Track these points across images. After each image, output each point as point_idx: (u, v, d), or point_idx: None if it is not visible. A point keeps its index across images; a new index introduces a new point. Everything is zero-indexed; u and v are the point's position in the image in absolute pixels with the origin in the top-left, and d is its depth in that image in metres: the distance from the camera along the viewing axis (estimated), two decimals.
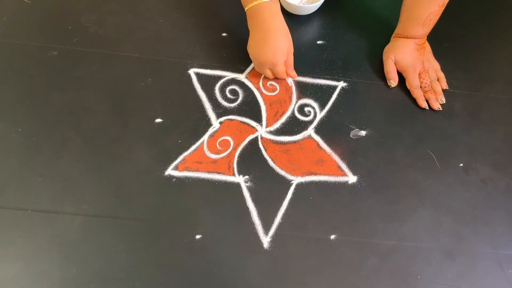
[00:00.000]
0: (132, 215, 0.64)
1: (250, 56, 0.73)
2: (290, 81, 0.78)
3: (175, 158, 0.69)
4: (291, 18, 0.86)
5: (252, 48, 0.71)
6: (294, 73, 0.75)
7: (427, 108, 0.76)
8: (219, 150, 0.70)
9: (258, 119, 0.74)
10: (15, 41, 0.79)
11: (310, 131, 0.73)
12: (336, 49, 0.82)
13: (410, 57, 0.77)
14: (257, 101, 0.76)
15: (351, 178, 0.69)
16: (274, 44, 0.68)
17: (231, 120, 0.73)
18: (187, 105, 0.74)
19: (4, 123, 0.70)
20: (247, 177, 0.68)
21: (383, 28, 0.85)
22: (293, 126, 0.73)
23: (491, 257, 0.64)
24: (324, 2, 0.84)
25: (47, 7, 0.84)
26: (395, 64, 0.78)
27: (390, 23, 0.85)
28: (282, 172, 0.69)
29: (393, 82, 0.78)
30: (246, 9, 0.68)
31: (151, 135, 0.70)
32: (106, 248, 0.61)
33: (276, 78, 0.77)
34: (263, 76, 0.78)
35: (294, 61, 0.78)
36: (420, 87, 0.77)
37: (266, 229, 0.64)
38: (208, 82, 0.77)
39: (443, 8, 0.71)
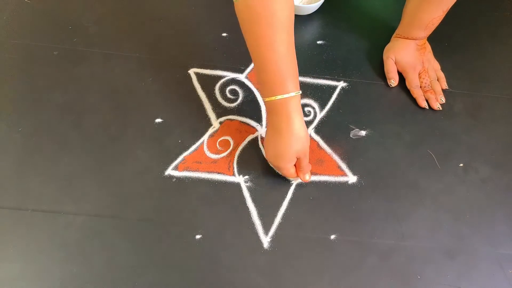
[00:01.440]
0: (132, 215, 0.64)
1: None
2: None
3: (175, 158, 0.69)
4: None
5: (265, 144, 0.64)
6: (306, 177, 0.65)
7: (427, 107, 0.76)
8: (219, 150, 0.70)
9: (258, 119, 0.74)
10: (15, 41, 0.79)
11: (310, 131, 0.73)
12: (336, 49, 0.82)
13: (410, 57, 0.77)
14: (257, 101, 0.76)
15: (351, 178, 0.69)
16: (280, 148, 0.60)
17: (231, 120, 0.73)
18: (187, 105, 0.74)
19: (4, 123, 0.70)
20: (247, 177, 0.68)
21: (383, 28, 0.85)
22: None
23: (491, 257, 0.64)
24: (324, 2, 0.84)
25: (47, 7, 0.84)
26: (395, 63, 0.79)
27: (390, 23, 0.85)
28: None
29: (393, 81, 0.78)
30: (264, 100, 0.59)
31: (151, 135, 0.70)
32: (106, 248, 0.61)
33: None
34: None
35: None
36: (420, 87, 0.77)
37: (266, 229, 0.64)
38: (208, 82, 0.77)
39: (446, 13, 0.71)
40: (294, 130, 0.58)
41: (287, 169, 0.63)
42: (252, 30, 0.54)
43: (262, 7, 0.51)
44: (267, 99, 0.58)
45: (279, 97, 0.56)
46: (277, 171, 0.67)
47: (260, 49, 0.54)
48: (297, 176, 0.65)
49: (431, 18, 0.71)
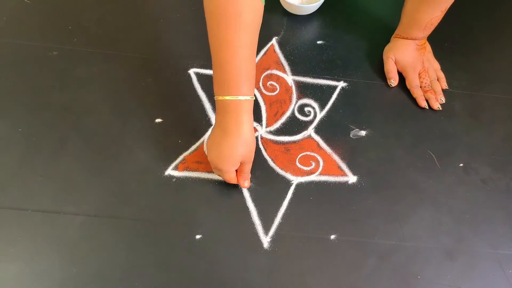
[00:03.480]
0: (132, 215, 0.64)
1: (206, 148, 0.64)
2: (290, 81, 0.78)
3: (175, 158, 0.69)
4: (291, 18, 0.86)
5: (208, 143, 0.62)
6: (246, 183, 0.64)
7: (427, 107, 0.76)
8: None
9: (258, 119, 0.74)
10: (15, 41, 0.79)
11: (310, 131, 0.73)
12: (336, 49, 0.82)
13: (410, 57, 0.77)
14: (257, 101, 0.76)
15: (351, 178, 0.69)
16: (226, 150, 0.58)
17: None
18: (187, 105, 0.74)
19: (4, 123, 0.70)
20: None
21: (383, 28, 0.85)
22: (293, 126, 0.73)
23: (491, 257, 0.64)
24: (324, 2, 0.84)
25: (47, 7, 0.84)
26: (395, 63, 0.79)
27: (390, 23, 0.85)
28: (282, 172, 0.69)
29: (393, 81, 0.78)
30: (215, 98, 0.57)
31: (151, 135, 0.70)
32: (106, 248, 0.61)
33: (276, 78, 0.77)
34: (263, 76, 0.78)
35: (294, 61, 0.78)
36: (420, 87, 0.77)
37: (266, 229, 0.64)
38: (208, 82, 0.77)
39: (444, 13, 0.71)
40: (242, 133, 0.56)
41: (229, 173, 0.61)
42: (215, 27, 0.53)
43: (228, 6, 0.51)
44: (219, 98, 0.56)
45: (229, 97, 0.55)
46: (216, 174, 0.64)
47: (221, 47, 0.53)
48: (237, 181, 0.63)
49: (429, 18, 0.71)
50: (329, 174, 0.69)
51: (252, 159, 0.61)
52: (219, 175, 0.64)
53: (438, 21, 0.72)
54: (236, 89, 0.54)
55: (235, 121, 0.56)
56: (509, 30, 0.90)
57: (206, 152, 0.62)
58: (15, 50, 0.78)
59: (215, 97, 0.57)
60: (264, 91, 0.77)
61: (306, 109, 0.75)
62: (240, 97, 0.55)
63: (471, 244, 0.65)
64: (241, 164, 0.61)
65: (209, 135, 0.62)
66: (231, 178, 0.62)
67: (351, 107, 0.76)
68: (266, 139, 0.72)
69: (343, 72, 0.79)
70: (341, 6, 0.89)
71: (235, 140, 0.57)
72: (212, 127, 0.60)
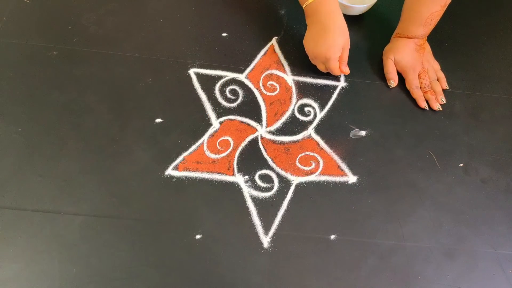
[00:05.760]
0: (132, 215, 0.64)
1: (306, 50, 0.75)
2: (290, 81, 0.78)
3: (175, 158, 0.69)
4: (291, 18, 0.85)
5: (308, 42, 0.74)
6: (347, 68, 0.75)
7: (427, 108, 0.76)
8: (219, 150, 0.70)
9: (258, 119, 0.74)
10: (15, 41, 0.79)
11: (310, 131, 0.73)
12: None
13: (410, 58, 0.77)
14: (257, 101, 0.76)
15: (351, 178, 0.69)
16: (330, 40, 0.69)
17: (231, 120, 0.73)
18: (187, 105, 0.74)
19: (4, 123, 0.70)
20: (247, 177, 0.68)
21: (383, 28, 0.85)
22: (293, 126, 0.73)
23: (491, 257, 0.64)
24: None
25: (47, 7, 0.84)
26: (394, 64, 0.79)
27: (390, 23, 0.85)
28: (282, 172, 0.69)
29: (393, 82, 0.78)
30: (304, 6, 0.71)
31: (151, 135, 0.70)
32: (106, 248, 0.61)
33: (276, 78, 0.77)
34: (263, 76, 0.78)
35: (294, 61, 0.78)
36: (420, 87, 0.77)
37: (266, 229, 0.64)
38: (208, 82, 0.77)
39: (444, 9, 0.71)
40: (339, 24, 0.70)
41: (335, 60, 0.72)
42: None
43: None
44: (308, 2, 0.69)
45: None
46: (321, 66, 0.75)
47: None
48: (339, 70, 0.74)
49: (429, 13, 0.71)
50: (329, 174, 0.69)
51: (348, 46, 0.73)
52: (326, 66, 0.74)
53: (438, 17, 0.72)
54: None
55: (330, 16, 0.69)
56: (509, 30, 0.90)
57: (307, 50, 0.75)
58: (15, 50, 0.78)
59: (304, 5, 0.70)
60: (264, 91, 0.77)
61: (306, 109, 0.75)
62: None
63: (471, 244, 0.65)
64: (342, 51, 0.72)
65: (306, 37, 0.74)
66: (335, 67, 0.73)
67: (351, 107, 0.76)
68: (266, 139, 0.72)
69: None
70: None
71: (335, 31, 0.69)
72: (307, 30, 0.74)
